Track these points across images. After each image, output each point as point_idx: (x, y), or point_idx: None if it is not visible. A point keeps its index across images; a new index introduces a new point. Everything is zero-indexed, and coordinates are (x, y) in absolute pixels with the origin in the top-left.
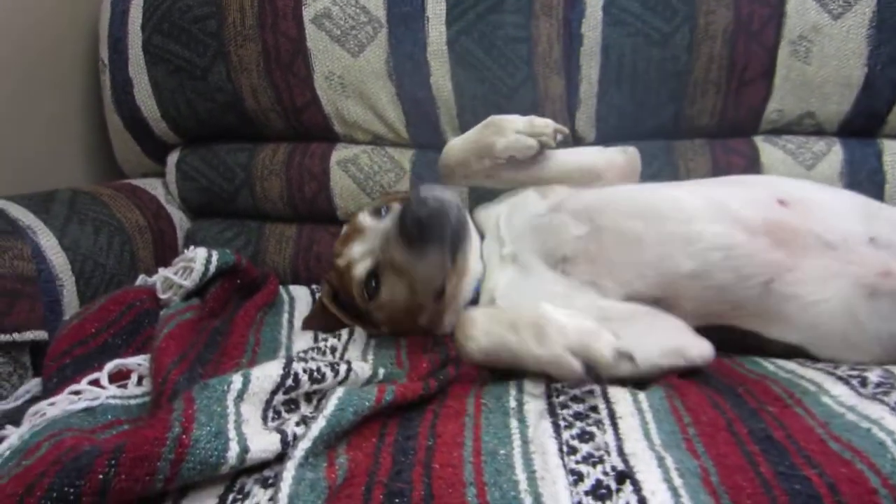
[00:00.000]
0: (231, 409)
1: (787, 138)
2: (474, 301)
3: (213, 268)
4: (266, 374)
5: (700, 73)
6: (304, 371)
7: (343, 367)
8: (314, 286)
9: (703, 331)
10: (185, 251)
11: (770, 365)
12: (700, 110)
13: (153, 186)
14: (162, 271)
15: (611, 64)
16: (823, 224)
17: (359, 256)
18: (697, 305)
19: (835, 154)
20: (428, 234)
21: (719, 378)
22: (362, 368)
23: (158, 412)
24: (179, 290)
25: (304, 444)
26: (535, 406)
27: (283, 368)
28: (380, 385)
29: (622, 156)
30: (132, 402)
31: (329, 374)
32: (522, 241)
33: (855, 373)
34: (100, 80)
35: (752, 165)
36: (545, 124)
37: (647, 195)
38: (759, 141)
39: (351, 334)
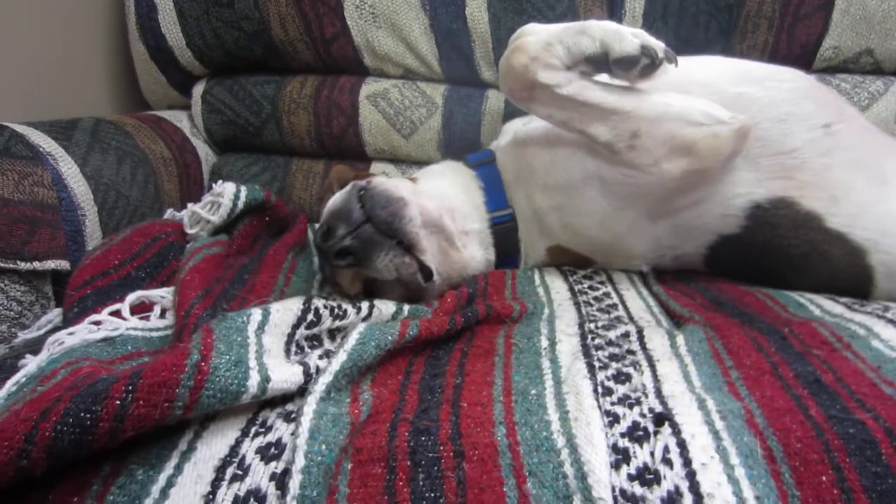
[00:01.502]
0: (252, 339)
1: (841, 77)
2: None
3: (241, 203)
4: (286, 307)
5: (752, 6)
6: (325, 307)
7: (365, 304)
8: None
9: (762, 210)
10: (214, 185)
11: (816, 309)
12: (750, 46)
13: (178, 119)
14: (190, 206)
15: None
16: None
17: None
18: (763, 147)
19: (892, 94)
20: (359, 254)
21: (762, 320)
22: (386, 305)
23: (178, 344)
24: (207, 225)
25: (325, 378)
26: (568, 346)
27: (304, 304)
28: (403, 321)
29: None
30: (154, 334)
31: (351, 310)
32: None
33: None
34: (124, 6)
35: None
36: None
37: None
38: None
39: None
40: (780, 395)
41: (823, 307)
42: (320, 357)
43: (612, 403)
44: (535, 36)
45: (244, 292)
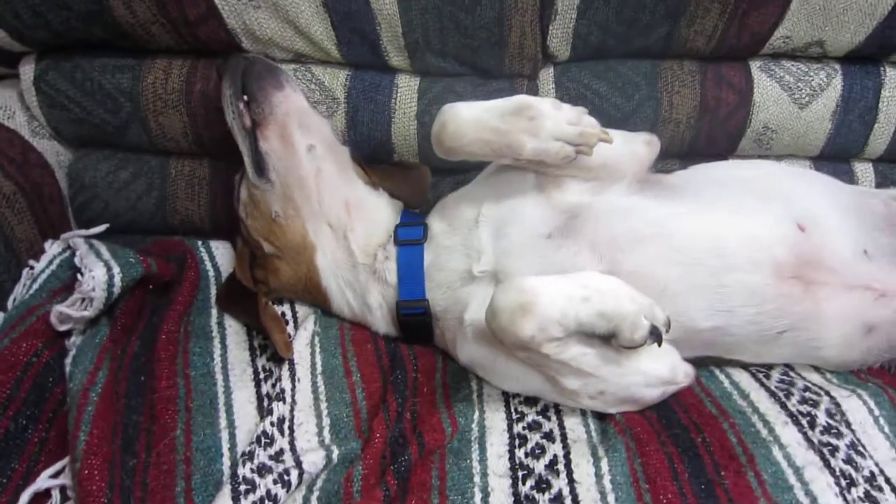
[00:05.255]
0: None
1: (786, 67)
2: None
3: (117, 290)
4: None
5: None
6: None
7: (294, 475)
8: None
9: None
10: (79, 277)
11: (726, 381)
12: (697, 32)
13: (9, 112)
14: (56, 307)
15: None
16: (832, 246)
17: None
18: (702, 346)
19: (833, 90)
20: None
21: (678, 416)
22: (314, 464)
23: None
24: (82, 317)
25: None
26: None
27: None
28: None
29: (646, 148)
30: None
31: (281, 493)
32: (513, 261)
33: (805, 409)
34: None
35: (744, 103)
36: (592, 131)
37: (684, 233)
38: (755, 70)
39: (293, 370)
40: None
41: (733, 378)
42: None
43: None
44: (547, 299)
45: (146, 421)
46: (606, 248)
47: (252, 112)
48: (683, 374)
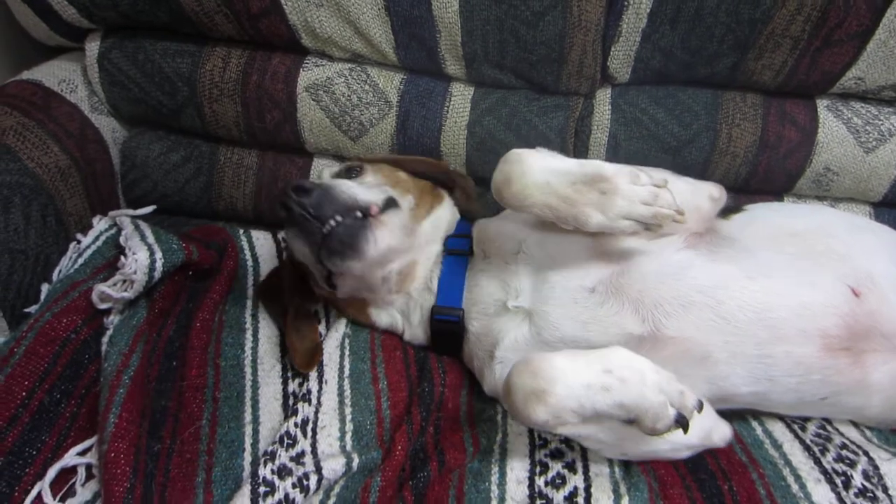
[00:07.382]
0: None
1: (855, 109)
2: (451, 291)
3: (158, 274)
4: None
5: (780, 23)
6: None
7: (313, 480)
8: (281, 234)
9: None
10: (122, 258)
11: (759, 428)
12: (765, 66)
13: (71, 85)
14: (98, 286)
15: None
16: (887, 311)
17: None
18: (737, 404)
19: None
20: (296, 223)
21: (706, 462)
22: (334, 471)
23: None
24: (122, 296)
25: None
26: None
27: None
28: None
29: (710, 203)
30: None
31: (299, 498)
32: (551, 308)
33: (840, 468)
34: None
35: (806, 142)
36: (666, 212)
37: (734, 303)
38: (821, 108)
39: (321, 371)
40: None
41: (767, 428)
42: None
43: None
44: (564, 389)
45: (174, 405)
46: (650, 311)
47: (328, 266)
48: (719, 437)
